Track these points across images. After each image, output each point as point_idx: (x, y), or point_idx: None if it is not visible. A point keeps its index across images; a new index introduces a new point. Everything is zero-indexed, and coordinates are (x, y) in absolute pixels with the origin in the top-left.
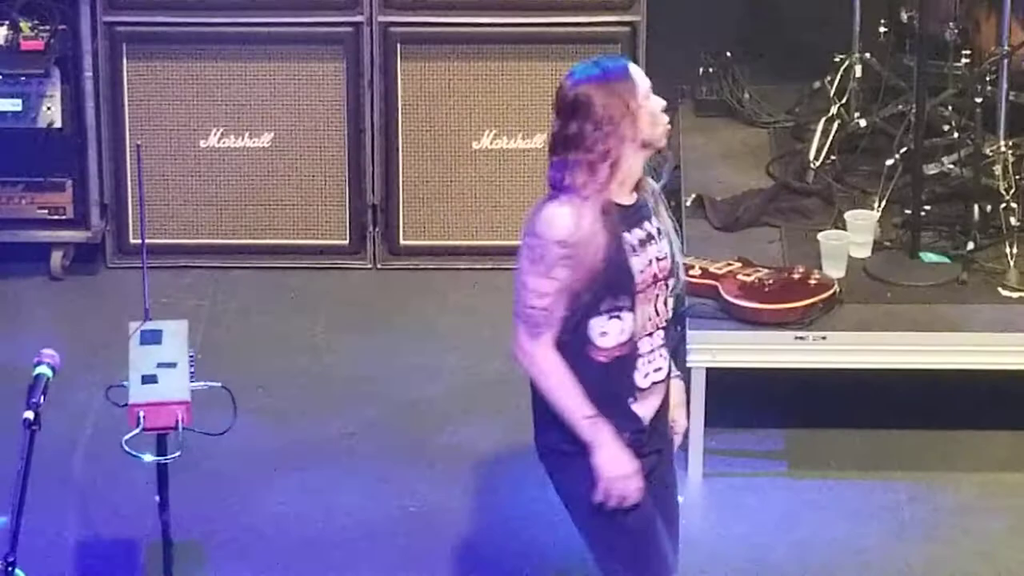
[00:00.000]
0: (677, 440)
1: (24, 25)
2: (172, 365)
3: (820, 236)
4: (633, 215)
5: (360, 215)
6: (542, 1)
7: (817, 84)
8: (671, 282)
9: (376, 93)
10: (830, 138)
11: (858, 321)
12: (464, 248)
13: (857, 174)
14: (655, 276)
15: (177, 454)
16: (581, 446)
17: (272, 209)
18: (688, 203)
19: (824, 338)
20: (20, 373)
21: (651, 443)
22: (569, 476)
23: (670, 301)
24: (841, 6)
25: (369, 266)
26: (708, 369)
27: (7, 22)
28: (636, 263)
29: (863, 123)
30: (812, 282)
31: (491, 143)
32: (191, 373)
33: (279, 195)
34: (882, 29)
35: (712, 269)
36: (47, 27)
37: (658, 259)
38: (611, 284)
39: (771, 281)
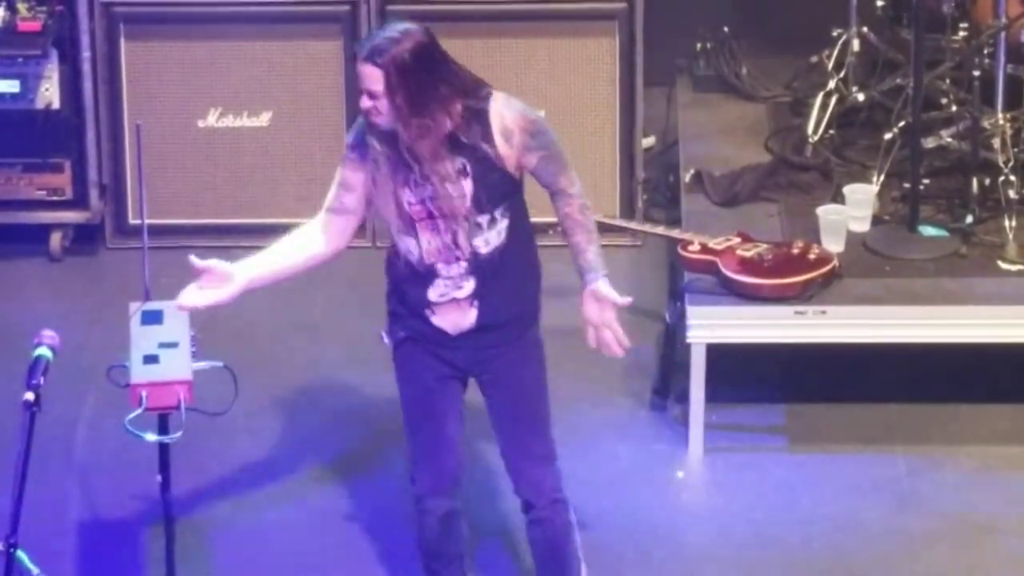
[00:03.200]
0: (609, 338)
1: (21, 6)
2: (173, 345)
3: (819, 211)
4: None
5: None
6: None
7: (815, 58)
8: (480, 219)
9: None
10: (828, 112)
11: (858, 295)
12: None
13: (855, 148)
14: (435, 212)
15: (179, 434)
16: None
17: (271, 188)
18: (687, 179)
19: (824, 312)
20: (20, 354)
21: (464, 350)
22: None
23: (485, 235)
24: None
25: (368, 245)
26: (708, 345)
27: (4, 3)
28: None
29: (861, 97)
30: (811, 257)
31: None
32: (192, 353)
33: (278, 174)
34: (879, 3)
35: (711, 245)
36: (44, 8)
37: (452, 197)
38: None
39: (770, 256)
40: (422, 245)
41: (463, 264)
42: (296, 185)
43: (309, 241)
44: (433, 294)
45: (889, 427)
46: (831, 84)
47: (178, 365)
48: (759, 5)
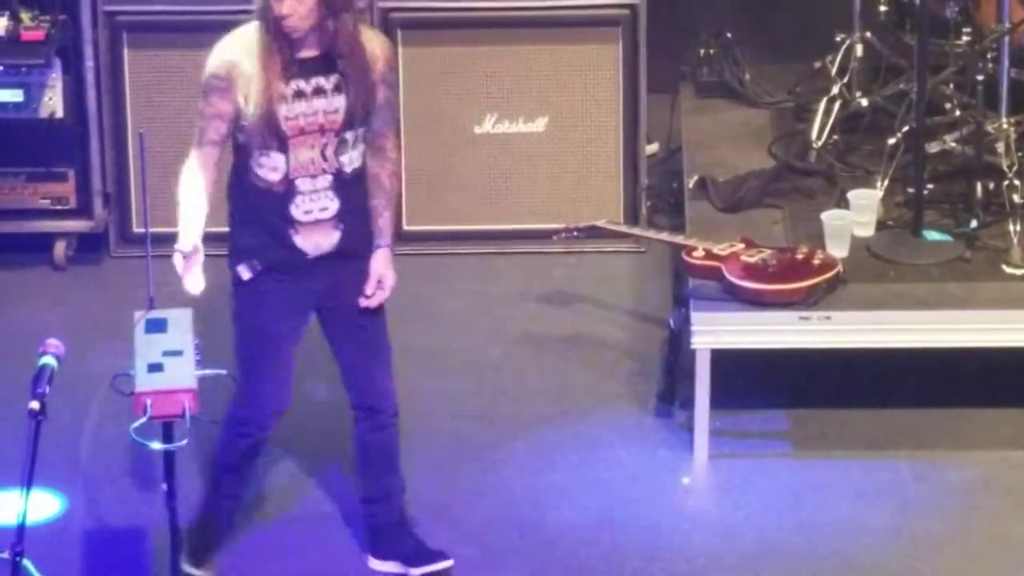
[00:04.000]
0: (381, 296)
1: (24, 15)
2: (178, 353)
3: (823, 216)
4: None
5: None
6: None
7: (818, 64)
8: (348, 135)
9: None
10: (832, 118)
11: (862, 300)
12: (467, 233)
13: (859, 153)
14: (306, 128)
15: (184, 442)
16: None
17: None
18: (691, 185)
19: (828, 318)
20: (25, 363)
21: (320, 276)
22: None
23: (349, 153)
24: None
25: None
26: (713, 350)
27: (8, 13)
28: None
29: (864, 102)
30: (816, 262)
31: (493, 127)
32: (197, 361)
33: None
34: (883, 7)
35: (715, 250)
36: (47, 17)
37: (326, 112)
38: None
39: (775, 262)
40: (290, 161)
41: (328, 177)
42: None
43: (202, 183)
44: (297, 212)
45: (894, 432)
46: (835, 89)
47: (182, 373)
48: (762, 10)
